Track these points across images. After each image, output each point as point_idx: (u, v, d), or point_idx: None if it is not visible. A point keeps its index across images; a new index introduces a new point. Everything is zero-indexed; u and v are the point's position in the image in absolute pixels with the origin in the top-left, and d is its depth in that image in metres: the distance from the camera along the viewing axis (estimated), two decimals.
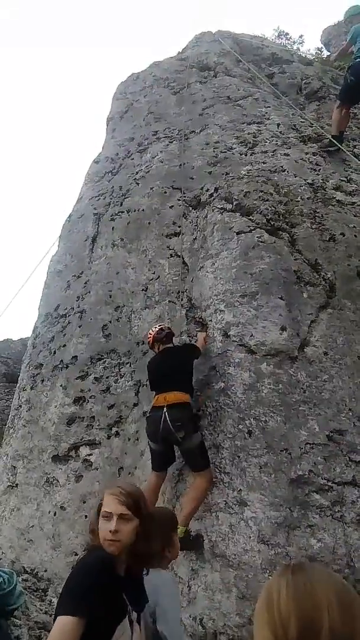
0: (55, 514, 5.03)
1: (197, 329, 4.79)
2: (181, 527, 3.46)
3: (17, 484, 5.64)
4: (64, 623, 1.62)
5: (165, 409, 3.87)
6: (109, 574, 1.76)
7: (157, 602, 2.21)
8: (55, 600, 4.29)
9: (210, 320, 4.63)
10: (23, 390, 6.37)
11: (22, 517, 5.33)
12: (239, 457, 3.75)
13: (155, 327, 4.58)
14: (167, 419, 3.81)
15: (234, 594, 3.35)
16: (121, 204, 6.77)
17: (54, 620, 1.70)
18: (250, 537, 3.45)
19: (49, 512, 5.10)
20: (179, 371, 4.12)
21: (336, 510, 3.42)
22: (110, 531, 1.87)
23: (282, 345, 4.06)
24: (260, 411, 3.83)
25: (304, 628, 1.01)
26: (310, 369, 3.98)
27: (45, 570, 4.74)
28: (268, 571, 3.28)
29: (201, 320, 4.79)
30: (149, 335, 4.58)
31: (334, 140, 6.19)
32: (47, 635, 3.80)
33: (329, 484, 3.49)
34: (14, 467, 5.79)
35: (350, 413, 3.77)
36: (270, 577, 3.15)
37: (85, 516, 4.64)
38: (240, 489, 3.63)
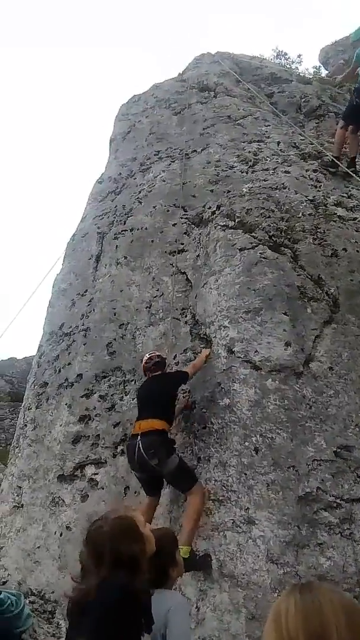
0: (61, 534, 4.98)
1: (202, 346, 4.81)
2: (185, 547, 3.45)
3: (22, 504, 5.59)
4: None
5: (139, 437, 3.91)
6: (135, 601, 1.75)
7: (168, 624, 2.19)
8: (63, 623, 4.23)
9: (215, 337, 4.64)
10: (28, 409, 6.36)
11: (28, 538, 5.28)
12: (245, 474, 3.73)
13: (146, 356, 4.71)
14: (141, 447, 3.85)
15: (243, 615, 3.30)
16: (124, 223, 6.85)
17: None
18: (258, 557, 3.41)
19: (55, 532, 5.05)
20: (158, 399, 4.20)
21: (345, 528, 3.39)
22: None
23: (287, 361, 4.06)
24: (267, 427, 3.81)
25: None
26: (315, 385, 3.97)
27: (52, 592, 4.67)
28: (277, 591, 3.23)
29: (206, 336, 4.81)
30: (142, 364, 4.72)
31: (336, 161, 6.27)
32: None
33: (338, 501, 3.46)
34: (20, 487, 5.75)
35: (357, 429, 3.74)
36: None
37: None
38: (248, 507, 3.60)
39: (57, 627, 4.36)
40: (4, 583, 5.06)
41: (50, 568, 4.86)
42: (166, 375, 4.55)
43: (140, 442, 3.87)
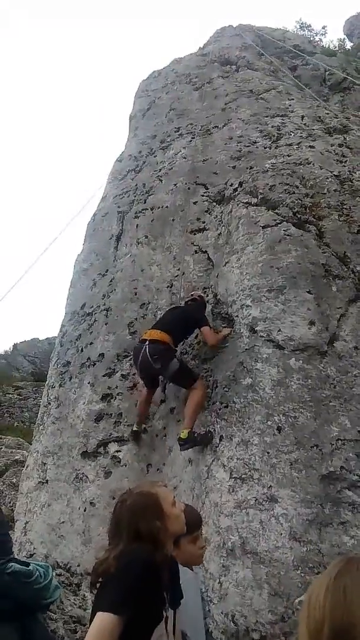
0: (85, 509, 5.08)
1: (223, 325, 4.78)
2: (185, 430, 4.17)
3: (47, 480, 5.71)
4: (104, 619, 1.60)
5: (147, 343, 4.44)
6: (156, 575, 1.76)
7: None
8: (89, 595, 4.34)
9: (237, 316, 4.59)
10: (51, 387, 6.45)
11: (53, 513, 5.40)
12: (268, 453, 3.72)
13: (191, 294, 5.16)
14: (147, 351, 4.38)
15: (266, 591, 3.32)
16: (145, 202, 6.79)
17: (92, 613, 1.69)
18: (281, 534, 3.42)
19: (79, 508, 5.15)
20: (174, 319, 4.74)
21: None
22: None
23: (310, 340, 4.00)
24: (290, 407, 3.78)
25: (336, 637, 1.02)
26: (340, 364, 3.91)
27: (78, 565, 4.79)
28: (300, 568, 3.24)
29: (227, 316, 4.77)
30: None
31: None
32: (82, 629, 3.84)
33: None
34: (44, 463, 5.87)
35: None
36: (302, 575, 3.11)
37: None
38: (271, 486, 3.59)
39: (83, 599, 4.47)
40: (31, 556, 5.20)
41: (75, 542, 4.96)
42: (191, 308, 4.93)
43: (147, 347, 4.40)
